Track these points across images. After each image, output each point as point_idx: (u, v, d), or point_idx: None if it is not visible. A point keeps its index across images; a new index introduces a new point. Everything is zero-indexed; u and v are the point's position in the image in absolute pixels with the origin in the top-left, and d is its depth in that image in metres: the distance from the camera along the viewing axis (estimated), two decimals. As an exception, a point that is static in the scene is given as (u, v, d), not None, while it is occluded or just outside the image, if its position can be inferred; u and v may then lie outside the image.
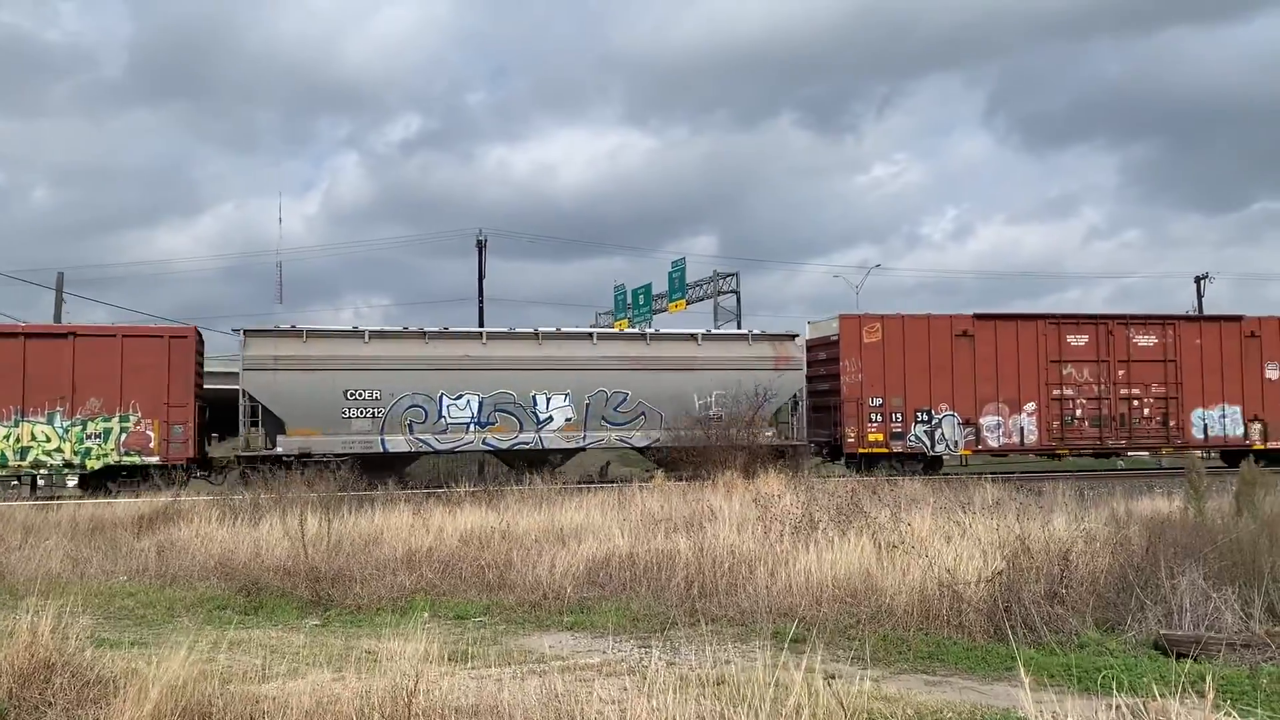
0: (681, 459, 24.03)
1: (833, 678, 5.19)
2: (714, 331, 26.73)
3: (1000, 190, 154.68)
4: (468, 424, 24.50)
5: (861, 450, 26.36)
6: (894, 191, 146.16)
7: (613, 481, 22.51)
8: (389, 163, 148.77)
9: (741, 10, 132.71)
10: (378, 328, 25.06)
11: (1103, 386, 28.01)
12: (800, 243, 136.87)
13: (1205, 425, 28.52)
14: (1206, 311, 53.39)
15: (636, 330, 26.26)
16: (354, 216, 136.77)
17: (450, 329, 25.37)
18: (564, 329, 26.01)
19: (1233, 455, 29.63)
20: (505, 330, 25.70)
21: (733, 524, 12.26)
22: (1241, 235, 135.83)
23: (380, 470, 23.16)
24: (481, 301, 46.94)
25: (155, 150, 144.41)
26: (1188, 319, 28.96)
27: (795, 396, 26.49)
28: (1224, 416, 28.66)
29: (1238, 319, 29.30)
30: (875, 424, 26.59)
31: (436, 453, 24.61)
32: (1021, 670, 5.44)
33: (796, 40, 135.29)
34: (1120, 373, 28.07)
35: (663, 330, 26.45)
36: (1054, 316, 28.13)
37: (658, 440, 25.33)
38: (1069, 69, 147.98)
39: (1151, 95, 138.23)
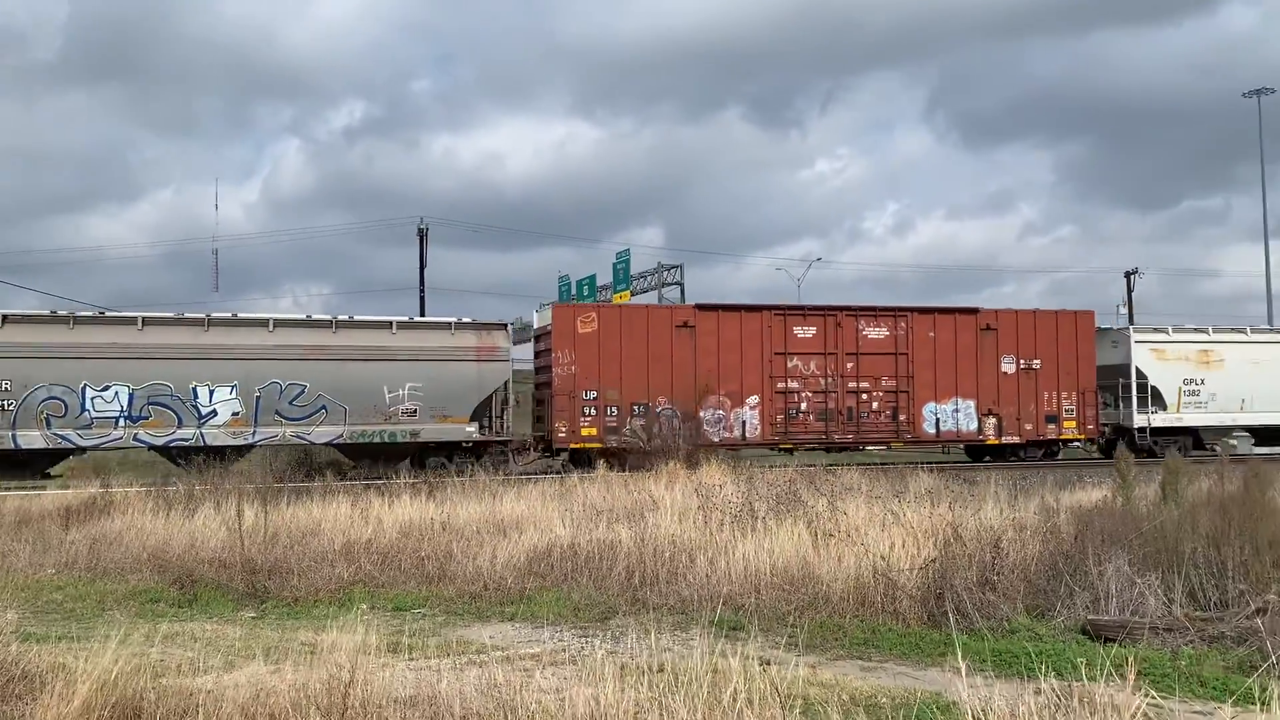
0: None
1: (769, 664, 5.26)
2: (413, 319, 25.19)
3: (940, 186, 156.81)
4: (116, 418, 22.45)
5: (574, 445, 25.13)
6: (837, 186, 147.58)
7: (539, 476, 22.51)
8: (331, 150, 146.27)
9: (686, 5, 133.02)
10: (19, 311, 23.13)
11: (830, 380, 26.97)
12: (746, 235, 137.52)
13: (938, 419, 27.61)
14: (1136, 307, 54.76)
15: (323, 316, 24.57)
16: (295, 204, 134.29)
17: (105, 313, 23.94)
18: (239, 314, 24.29)
19: (976, 450, 29.18)
20: (168, 315, 23.91)
21: (674, 514, 12.34)
22: (1170, 232, 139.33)
23: (16, 470, 21.56)
24: (423, 291, 46.59)
25: (90, 134, 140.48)
26: (920, 311, 28.05)
27: (505, 388, 25.29)
28: (957, 411, 27.78)
29: (973, 311, 28.50)
30: (589, 418, 25.33)
31: (82, 450, 22.73)
32: (950, 659, 5.56)
33: (741, 35, 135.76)
34: (849, 365, 27.10)
35: (355, 317, 24.69)
36: (779, 307, 27.42)
37: (340, 437, 23.79)
38: (1007, 68, 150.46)
39: (1085, 95, 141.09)
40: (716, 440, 25.90)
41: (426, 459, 24.36)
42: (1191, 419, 30.06)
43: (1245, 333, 31.13)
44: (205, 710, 5.25)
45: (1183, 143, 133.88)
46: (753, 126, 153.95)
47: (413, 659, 6.82)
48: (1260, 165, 62.13)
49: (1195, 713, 5.68)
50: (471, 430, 24.57)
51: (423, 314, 41.87)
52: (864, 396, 27.33)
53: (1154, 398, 29.68)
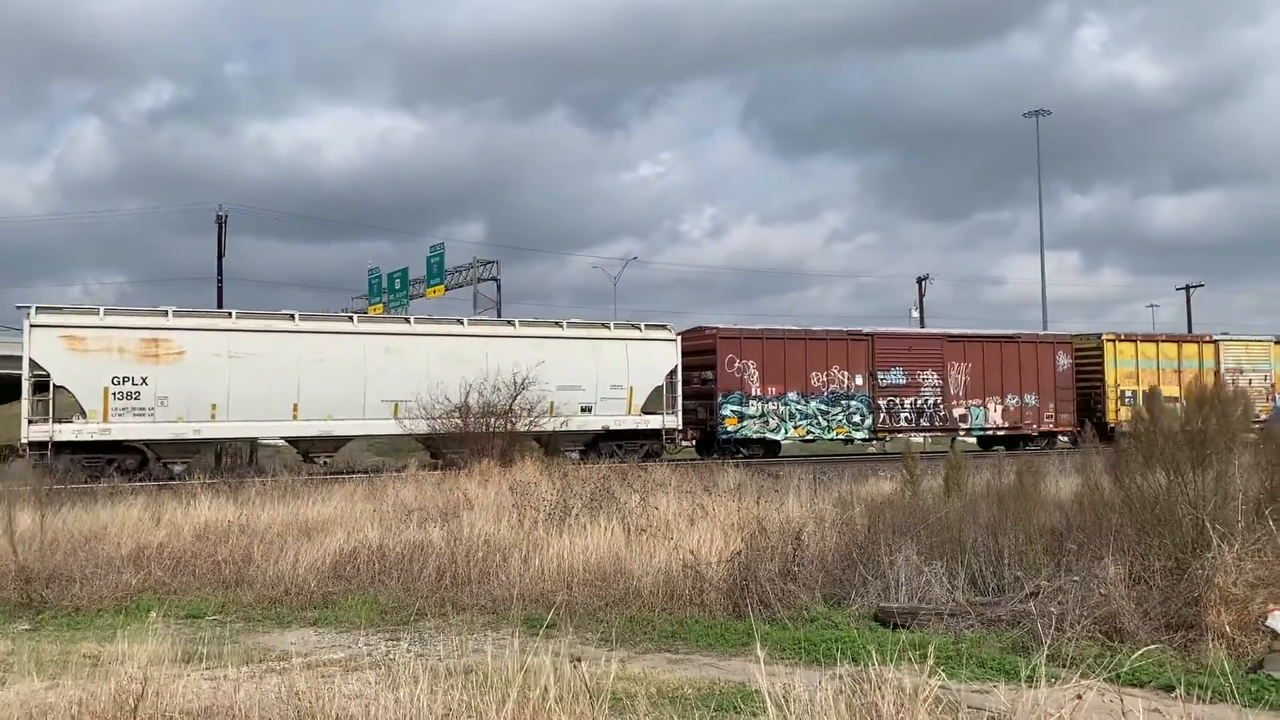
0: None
1: (579, 660, 5.30)
2: None
3: (754, 192, 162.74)
4: None
5: None
6: (658, 189, 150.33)
7: (366, 471, 21.87)
8: (135, 132, 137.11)
9: (513, 5, 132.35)
10: None
11: None
12: (568, 234, 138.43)
13: None
14: (926, 311, 58.01)
15: None
16: (93, 188, 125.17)
17: None
18: None
19: None
20: None
21: (488, 512, 12.24)
22: (962, 242, 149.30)
23: None
24: (220, 281, 44.44)
25: None
26: None
27: None
28: None
29: None
30: None
31: None
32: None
33: (567, 38, 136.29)
34: None
35: None
36: None
37: None
38: (819, 82, 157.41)
39: (890, 111, 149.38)
40: None
41: None
42: (129, 431, 21.64)
43: (228, 317, 23.72)
44: (-30, 734, 4.85)
45: (975, 160, 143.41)
46: (579, 128, 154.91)
47: (208, 668, 6.49)
48: (1038, 182, 67.07)
49: (975, 692, 6.09)
50: None
51: (220, 305, 39.96)
52: None
53: (67, 403, 21.28)
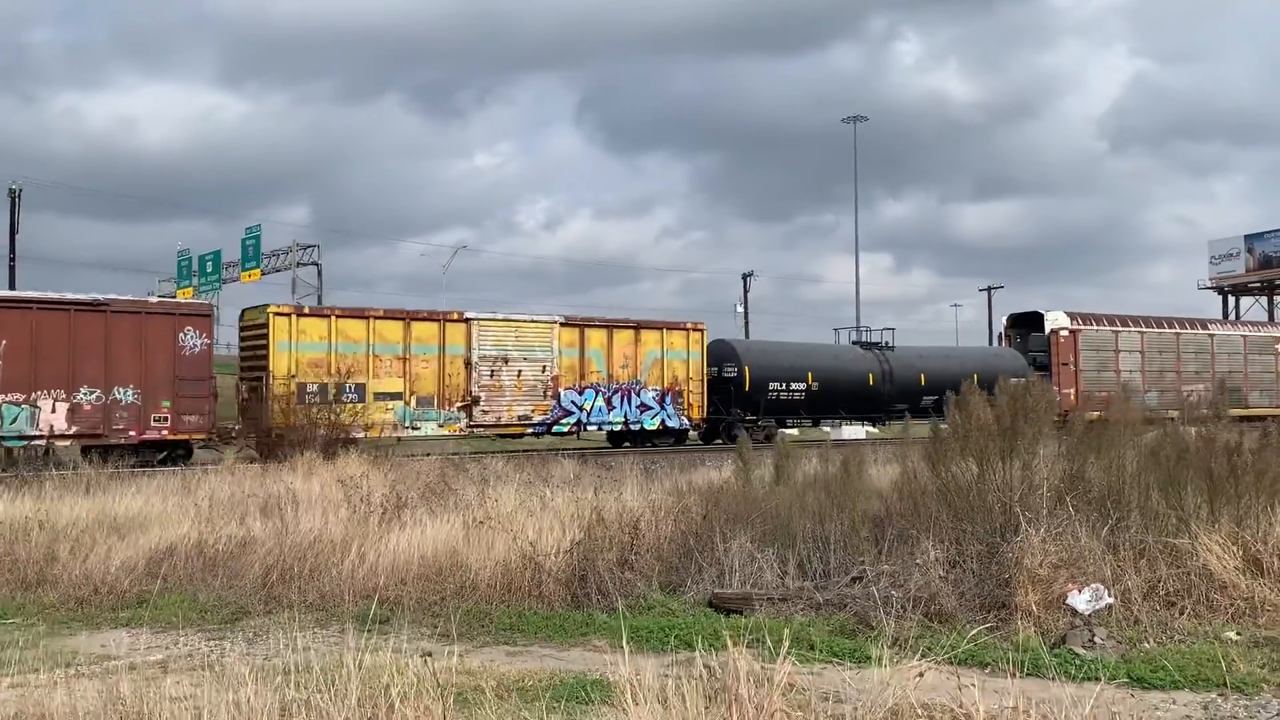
0: None
1: (430, 655, 5.19)
2: None
3: (588, 186, 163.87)
4: None
5: None
6: (493, 180, 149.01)
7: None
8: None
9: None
10: None
11: None
12: (399, 221, 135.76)
13: None
14: (751, 307, 59.44)
15: None
16: None
17: None
18: None
19: None
20: None
21: (315, 506, 11.82)
22: (784, 242, 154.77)
23: None
24: (13, 260, 41.31)
25: None
26: None
27: None
28: None
29: None
30: None
31: None
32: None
33: (403, 23, 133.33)
34: None
35: None
36: None
37: None
38: (652, 82, 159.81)
39: (720, 114, 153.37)
40: None
41: None
42: None
43: None
44: None
45: (798, 166, 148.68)
46: (413, 114, 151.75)
47: (11, 675, 6.01)
48: (854, 184, 69.81)
49: (811, 675, 6.31)
50: None
51: (11, 286, 37.08)
52: None
53: None
